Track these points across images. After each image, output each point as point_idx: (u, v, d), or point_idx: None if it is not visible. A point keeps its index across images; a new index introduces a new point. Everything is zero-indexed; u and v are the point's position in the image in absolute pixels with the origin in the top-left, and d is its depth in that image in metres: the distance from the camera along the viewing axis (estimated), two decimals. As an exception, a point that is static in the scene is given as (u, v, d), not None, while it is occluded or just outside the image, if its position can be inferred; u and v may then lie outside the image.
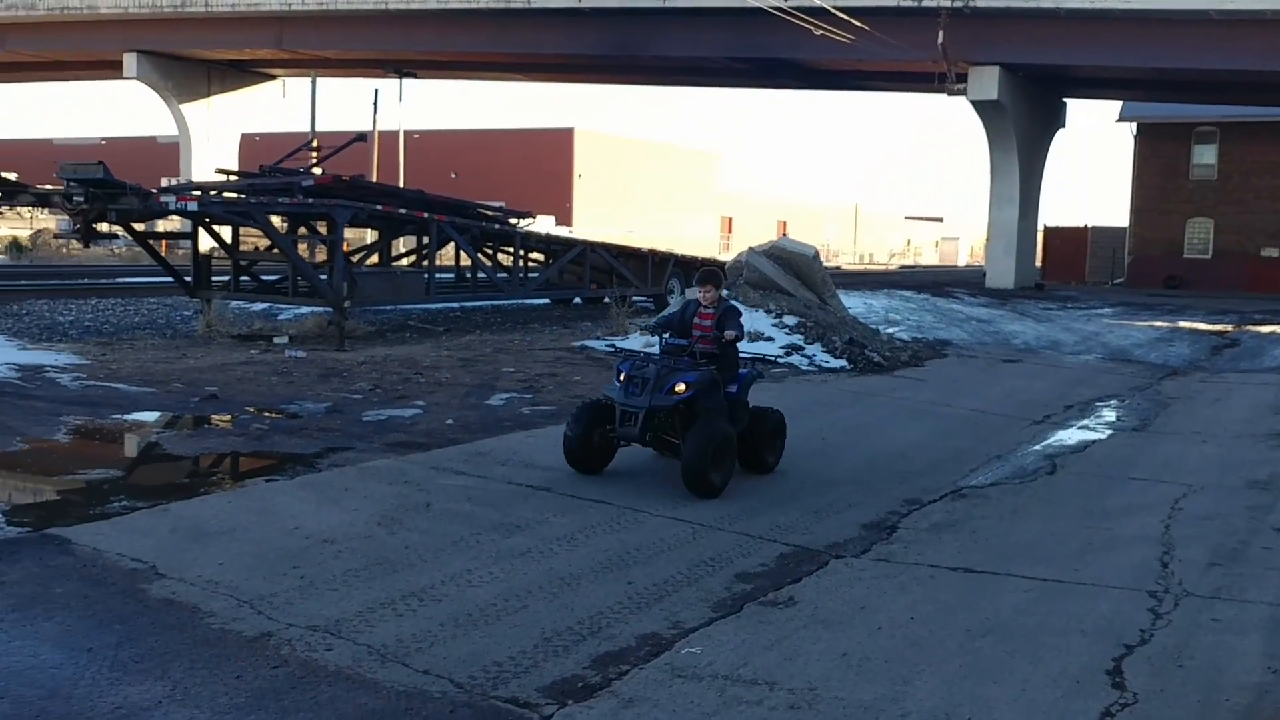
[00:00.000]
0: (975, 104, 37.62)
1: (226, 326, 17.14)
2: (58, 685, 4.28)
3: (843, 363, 15.29)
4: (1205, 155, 45.24)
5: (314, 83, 50.30)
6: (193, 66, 50.10)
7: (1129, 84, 40.90)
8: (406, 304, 20.59)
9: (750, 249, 18.61)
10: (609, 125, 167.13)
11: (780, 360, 15.22)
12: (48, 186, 16.72)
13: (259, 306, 19.59)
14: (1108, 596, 5.92)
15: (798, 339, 15.98)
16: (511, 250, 22.12)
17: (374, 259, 21.02)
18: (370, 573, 5.72)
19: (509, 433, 9.66)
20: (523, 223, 23.10)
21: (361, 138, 22.18)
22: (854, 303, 22.20)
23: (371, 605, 5.25)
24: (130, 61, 48.47)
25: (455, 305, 23.00)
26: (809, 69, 41.48)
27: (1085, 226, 51.20)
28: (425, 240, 20.39)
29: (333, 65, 50.38)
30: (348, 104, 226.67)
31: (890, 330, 19.93)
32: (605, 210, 68.18)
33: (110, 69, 51.47)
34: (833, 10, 32.35)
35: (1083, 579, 6.23)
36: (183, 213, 15.82)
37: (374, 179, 31.44)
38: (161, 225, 25.03)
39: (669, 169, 78.37)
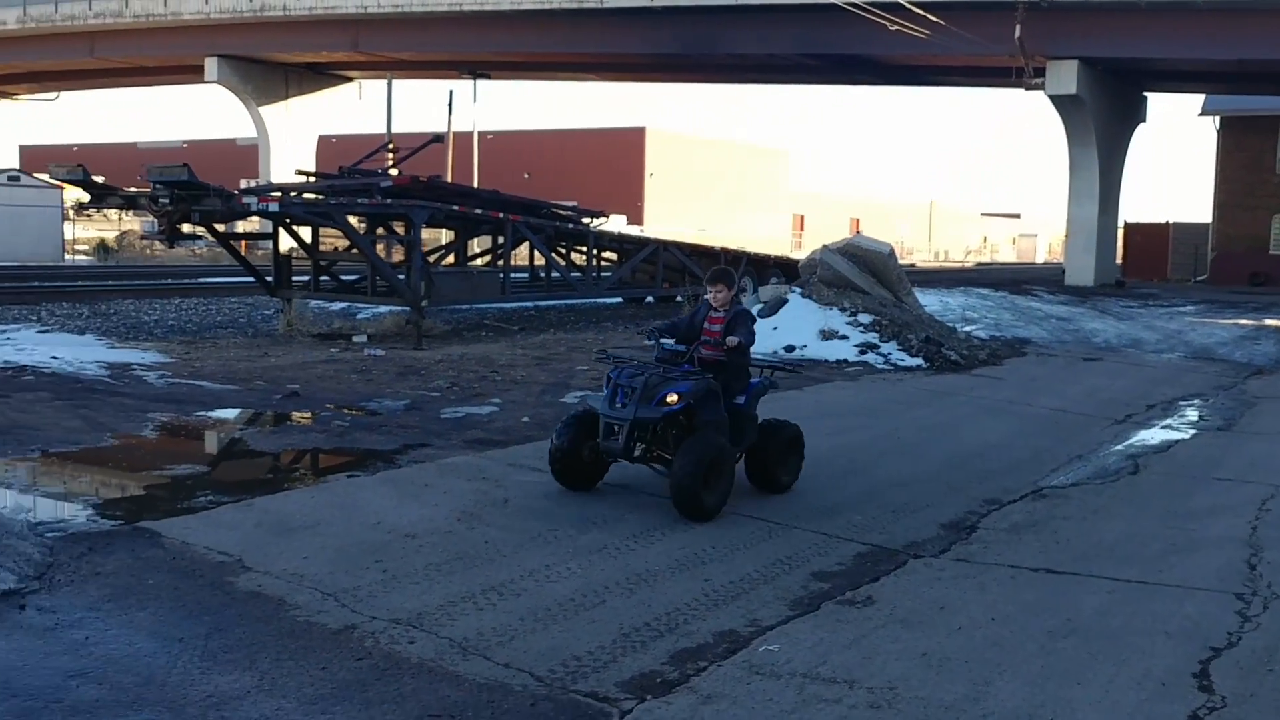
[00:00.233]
0: (1053, 98, 37.01)
1: (306, 325, 17.46)
2: (152, 673, 4.39)
3: (919, 361, 15.15)
4: (1291, 149, 44.06)
5: (389, 84, 50.91)
6: (271, 70, 51.00)
7: (1211, 77, 39.93)
8: (482, 303, 20.80)
9: (824, 247, 18.50)
10: (679, 124, 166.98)
11: (854, 359, 15.15)
12: (133, 189, 17.14)
13: (338, 306, 19.94)
14: (1193, 598, 5.81)
15: (873, 337, 15.86)
16: (585, 249, 22.26)
17: (450, 259, 21.26)
18: (450, 567, 5.80)
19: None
20: (595, 222, 23.22)
21: (438, 139, 22.45)
22: (930, 300, 21.98)
23: (452, 599, 5.32)
24: (211, 65, 49.48)
25: (529, 304, 23.18)
26: (883, 65, 41.14)
27: (1167, 223, 50.10)
28: (500, 240, 20.57)
29: (408, 67, 50.95)
30: (423, 105, 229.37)
31: (967, 328, 19.71)
32: (676, 209, 68.19)
33: (192, 73, 52.59)
34: (908, 5, 32.03)
35: (1167, 580, 6.12)
36: (264, 213, 16.14)
37: (449, 180, 31.78)
38: (241, 226, 25.50)
39: (740, 167, 78.20)
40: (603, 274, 22.75)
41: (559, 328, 19.81)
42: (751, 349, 7.60)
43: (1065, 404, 12.63)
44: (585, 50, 43.00)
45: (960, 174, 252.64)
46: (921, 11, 32.37)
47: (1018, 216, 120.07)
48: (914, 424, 10.89)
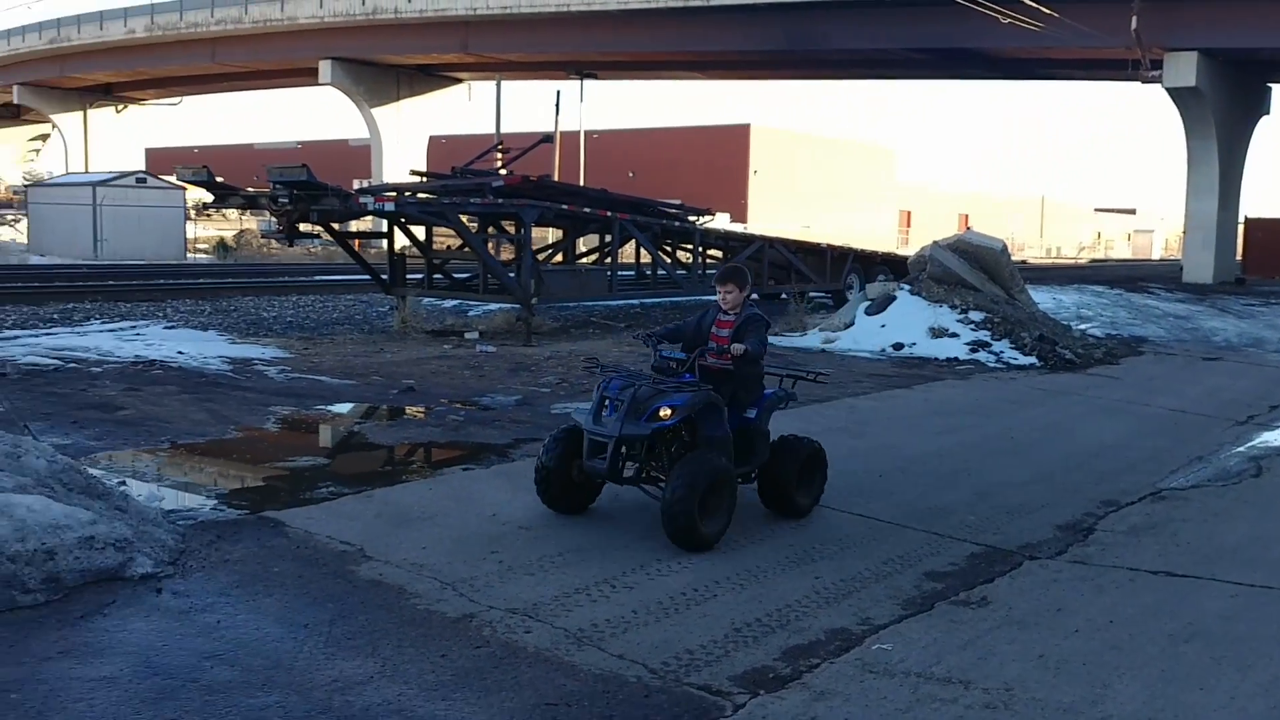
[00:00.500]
0: (1171, 91, 35.99)
1: (420, 322, 17.82)
2: (280, 657, 4.56)
3: (1032, 360, 14.89)
4: None
5: (498, 85, 51.59)
6: (383, 72, 52.10)
7: (1342, 67, 38.45)
8: (589, 300, 20.99)
9: (934, 243, 18.26)
10: (783, 120, 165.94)
11: (965, 357, 14.96)
12: (252, 189, 17.67)
13: (450, 303, 20.32)
14: (1324, 605, 5.64)
15: (984, 335, 15.63)
16: (690, 247, 22.29)
17: (558, 257, 21.48)
18: (564, 559, 5.89)
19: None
20: (701, 220, 23.25)
21: (548, 139, 22.72)
22: (1042, 298, 21.57)
23: (567, 590, 5.41)
24: (325, 68, 50.76)
25: (635, 302, 23.31)
26: (993, 58, 40.45)
27: (1291, 218, 48.31)
28: (607, 238, 20.74)
29: (516, 68, 51.60)
30: (529, 106, 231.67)
31: (1082, 326, 19.31)
32: (780, 206, 67.87)
33: (307, 76, 54.04)
34: (1022, -2, 31.47)
35: (1295, 586, 5.95)
36: (380, 213, 16.51)
37: (556, 179, 32.11)
38: (355, 225, 26.12)
39: (845, 163, 77.47)
40: (708, 271, 22.75)
41: (664, 324, 19.86)
42: (764, 358, 6.81)
43: (1184, 404, 12.31)
44: (690, 48, 43.08)
45: (1073, 169, 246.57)
46: (1036, 5, 31.74)
47: (1133, 212, 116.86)
48: (1027, 423, 10.72)
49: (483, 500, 6.93)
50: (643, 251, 21.90)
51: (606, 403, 6.26)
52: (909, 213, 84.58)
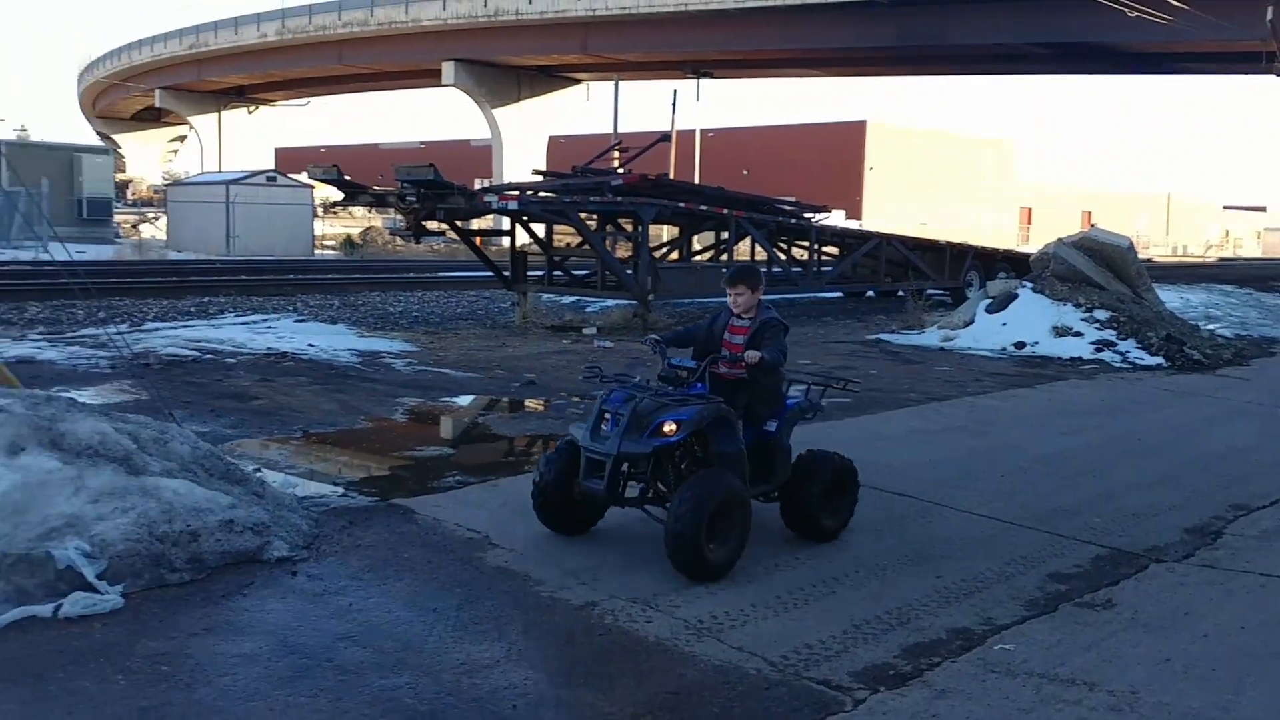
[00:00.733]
0: (1312, 83, 34.57)
1: (540, 318, 18.11)
2: (410, 639, 4.72)
3: (1159, 360, 14.51)
4: None
5: (616, 85, 51.94)
6: (504, 73, 52.86)
7: None
8: (704, 297, 21.03)
9: (1058, 240, 17.91)
10: (899, 117, 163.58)
11: (1089, 357, 14.67)
12: (380, 188, 18.14)
13: (568, 299, 20.61)
14: None
15: (1109, 334, 15.28)
16: (806, 244, 22.21)
17: (674, 254, 21.59)
18: (682, 552, 5.96)
19: (805, 423, 9.73)
20: (818, 217, 23.14)
21: (665, 138, 22.84)
22: (1169, 297, 21.00)
23: (686, 582, 5.48)
24: (448, 69, 51.72)
25: (750, 299, 23.25)
26: (1119, 52, 39.38)
27: None
28: (723, 235, 20.78)
29: (634, 68, 51.90)
30: (646, 105, 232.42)
31: (1210, 326, 18.74)
32: (896, 203, 67.02)
33: (429, 77, 55.13)
34: (1151, -11, 30.59)
35: None
36: (504, 211, 16.83)
37: (672, 177, 32.23)
38: (476, 223, 26.60)
39: (963, 159, 76.12)
40: (823, 268, 22.64)
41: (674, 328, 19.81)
42: (784, 366, 6.21)
43: (1323, 408, 11.87)
44: (806, 45, 42.85)
45: (1200, 165, 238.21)
46: (1165, -4, 30.84)
47: (1263, 209, 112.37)
48: (1154, 425, 10.47)
49: (603, 492, 7.03)
50: (758, 249, 21.91)
51: (607, 417, 5.68)
52: (1029, 210, 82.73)
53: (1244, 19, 31.72)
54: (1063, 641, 4.99)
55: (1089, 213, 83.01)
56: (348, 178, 17.36)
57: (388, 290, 23.30)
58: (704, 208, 19.58)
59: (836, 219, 39.47)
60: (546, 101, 55.29)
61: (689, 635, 4.87)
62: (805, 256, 22.30)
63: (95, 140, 78.84)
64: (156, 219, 46.18)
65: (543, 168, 37.29)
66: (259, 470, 7.07)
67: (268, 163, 66.53)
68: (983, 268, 24.74)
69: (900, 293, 23.21)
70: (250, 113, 76.71)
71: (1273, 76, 34.65)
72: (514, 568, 5.63)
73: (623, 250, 20.79)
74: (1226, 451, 9.37)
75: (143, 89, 75.44)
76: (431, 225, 16.93)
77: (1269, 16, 31.19)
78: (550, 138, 56.34)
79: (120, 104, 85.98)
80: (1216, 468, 8.68)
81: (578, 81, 55.83)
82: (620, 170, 20.67)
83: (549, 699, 4.21)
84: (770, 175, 62.88)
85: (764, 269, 22.23)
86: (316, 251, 39.07)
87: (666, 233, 26.28)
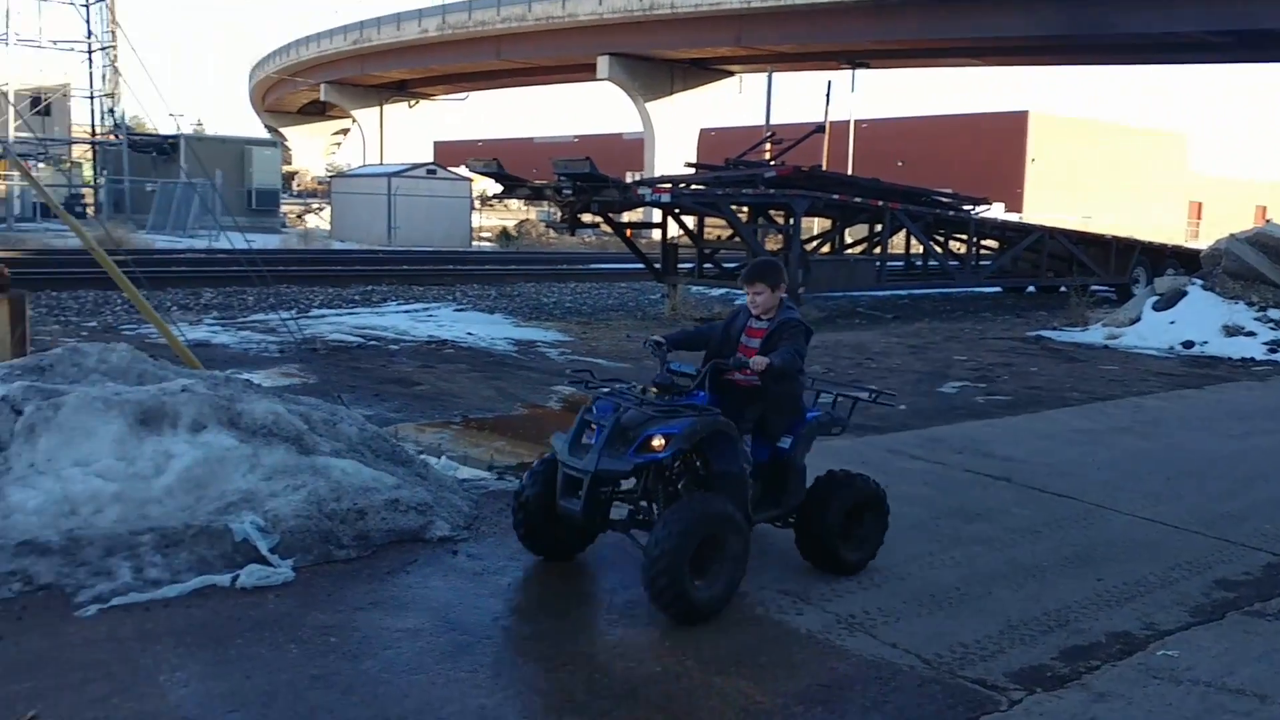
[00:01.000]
0: None
1: (689, 310, 18.21)
2: (565, 620, 4.87)
3: (1341, 363, 13.80)
4: None
5: (769, 77, 51.66)
6: (657, 66, 53.10)
7: None
8: (856, 291, 20.85)
9: (1231, 236, 17.15)
10: (1062, 107, 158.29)
11: (1262, 358, 14.04)
12: (538, 181, 18.48)
13: (717, 292, 20.64)
14: None
15: (1286, 335, 14.61)
16: (964, 237, 21.77)
17: (826, 247, 21.43)
18: (835, 547, 5.94)
19: (963, 421, 9.60)
20: (977, 209, 22.66)
21: (820, 130, 22.66)
22: (1355, 297, 19.80)
23: (837, 576, 5.47)
24: (603, 64, 52.22)
25: (903, 293, 22.96)
26: (1308, 38, 37.30)
27: None
28: (877, 227, 20.52)
29: (788, 59, 51.52)
30: (796, 96, 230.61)
31: (1401, 329, 17.66)
32: (1058, 196, 64.94)
33: (584, 71, 55.77)
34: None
35: None
36: (657, 203, 16.98)
37: (824, 169, 31.95)
38: (627, 216, 26.86)
39: (1129, 151, 73.25)
40: (981, 262, 22.15)
41: (933, 317, 19.51)
42: (803, 374, 5.55)
43: None
44: (967, 35, 41.84)
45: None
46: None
47: None
48: (1335, 431, 9.96)
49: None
50: (912, 242, 21.56)
51: (591, 428, 5.05)
52: (1199, 204, 79.21)
53: None
54: (1231, 650, 4.82)
55: (1264, 208, 79.02)
56: (507, 171, 17.74)
57: (541, 281, 23.72)
58: (858, 200, 19.36)
59: (996, 212, 38.58)
60: (699, 94, 55.32)
61: (841, 629, 4.87)
62: (963, 250, 21.86)
63: (264, 134, 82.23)
64: (321, 209, 47.87)
65: (694, 160, 37.44)
66: (421, 452, 7.31)
67: (427, 155, 68.23)
68: (1150, 264, 23.87)
69: (1062, 288, 22.56)
70: (411, 106, 78.88)
71: None
72: (666, 556, 5.69)
73: (773, 243, 20.75)
74: None
75: (309, 84, 78.34)
76: (586, 218, 17.17)
77: None
78: (701, 130, 56.35)
79: (288, 98, 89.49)
80: (1404, 477, 8.22)
81: (730, 74, 55.70)
82: (773, 162, 20.60)
83: (701, 687, 4.26)
84: (927, 167, 61.68)
85: (917, 263, 21.95)
86: (473, 243, 39.96)
87: (818, 225, 26.09)
